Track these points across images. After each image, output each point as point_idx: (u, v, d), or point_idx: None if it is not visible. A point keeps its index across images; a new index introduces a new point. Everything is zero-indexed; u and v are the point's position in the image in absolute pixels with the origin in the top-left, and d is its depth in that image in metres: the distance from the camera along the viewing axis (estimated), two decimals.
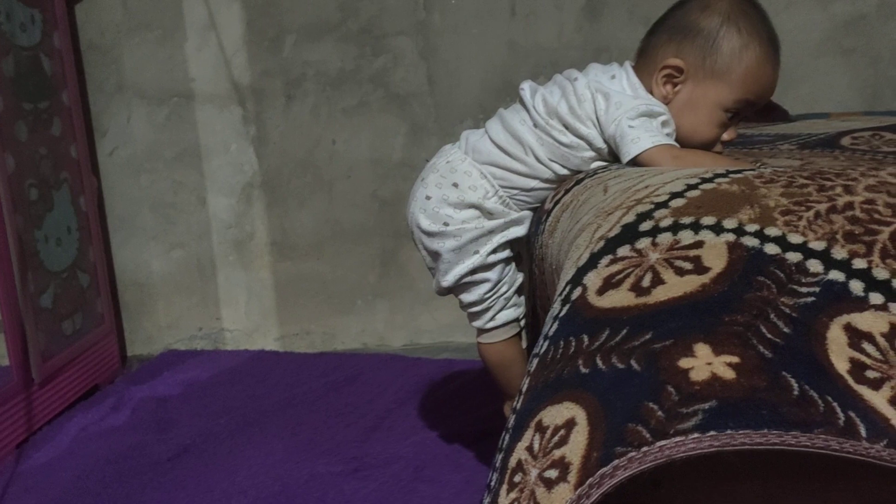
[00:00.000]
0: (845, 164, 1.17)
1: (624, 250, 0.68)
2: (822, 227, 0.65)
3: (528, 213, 1.16)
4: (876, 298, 0.61)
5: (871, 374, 0.57)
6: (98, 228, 2.04)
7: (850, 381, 0.56)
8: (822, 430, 0.53)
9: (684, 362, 0.57)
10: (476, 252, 1.16)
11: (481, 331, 1.23)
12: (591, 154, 1.08)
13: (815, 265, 0.63)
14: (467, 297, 1.20)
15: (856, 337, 0.59)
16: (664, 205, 0.71)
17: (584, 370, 0.61)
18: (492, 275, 1.17)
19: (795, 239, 0.65)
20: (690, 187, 0.72)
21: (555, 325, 0.68)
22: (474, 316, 1.22)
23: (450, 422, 1.66)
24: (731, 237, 0.65)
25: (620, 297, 0.64)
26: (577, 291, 0.68)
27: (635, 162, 1.02)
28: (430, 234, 1.17)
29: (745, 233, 0.65)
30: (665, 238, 0.67)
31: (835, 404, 0.54)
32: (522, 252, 1.21)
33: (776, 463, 0.59)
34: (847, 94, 1.96)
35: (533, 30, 2.01)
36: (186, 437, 1.69)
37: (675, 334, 0.59)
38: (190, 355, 2.18)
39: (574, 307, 0.67)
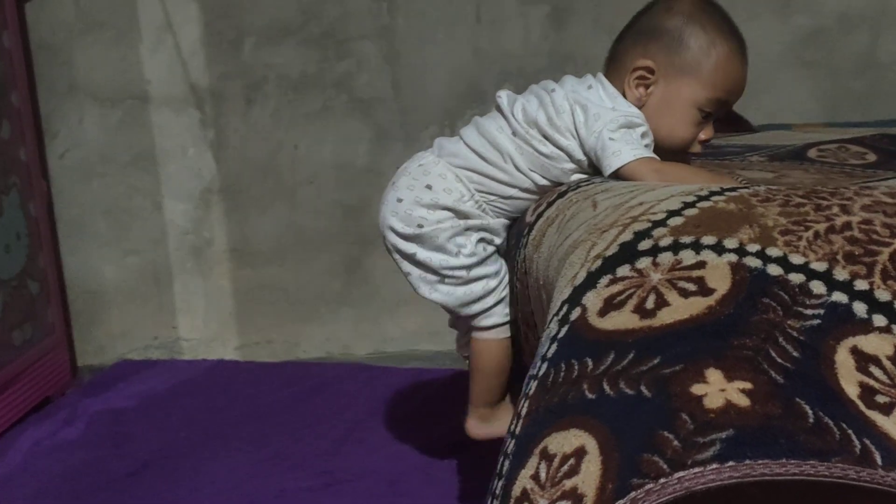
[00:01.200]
0: (820, 178, 1.18)
1: (624, 270, 0.67)
2: (822, 248, 0.65)
3: (504, 222, 1.14)
4: (879, 321, 0.61)
5: (880, 398, 0.56)
6: (48, 234, 1.97)
7: (862, 407, 0.56)
8: (839, 458, 0.52)
9: (697, 388, 0.55)
10: (458, 253, 1.12)
11: (488, 328, 1.17)
12: (572, 166, 1.07)
13: (818, 286, 0.62)
14: (469, 293, 1.14)
15: (862, 360, 0.58)
16: (662, 223, 0.69)
17: (590, 395, 0.59)
18: (488, 269, 1.14)
19: (797, 259, 0.64)
20: (687, 205, 0.71)
21: (553, 347, 0.67)
22: (477, 314, 1.16)
23: (421, 433, 1.63)
24: (733, 257, 0.64)
25: (624, 320, 0.63)
26: (577, 312, 0.67)
27: (617, 175, 1.01)
28: (405, 238, 1.14)
29: (746, 253, 0.65)
30: (666, 258, 0.66)
31: (850, 431, 0.54)
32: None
33: (771, 486, 0.58)
34: (808, 106, 1.99)
35: (498, 36, 2.00)
36: (145, 451, 1.63)
37: (685, 359, 0.57)
38: (145, 365, 2.12)
39: (574, 328, 0.66)
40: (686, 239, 0.67)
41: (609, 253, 0.69)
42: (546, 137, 1.07)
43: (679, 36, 1.07)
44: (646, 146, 1.04)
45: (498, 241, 1.15)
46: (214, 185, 2.11)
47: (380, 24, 2.01)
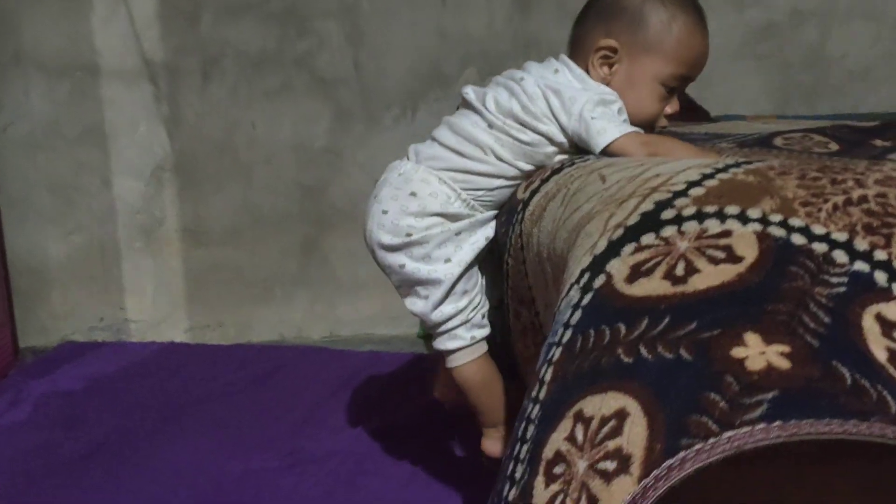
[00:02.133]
0: (796, 163, 1.21)
1: (649, 238, 0.67)
2: (841, 219, 0.66)
3: (493, 214, 1.13)
4: None
5: None
6: None
7: (892, 370, 0.57)
8: (877, 418, 0.53)
9: (737, 352, 0.56)
10: (448, 261, 1.09)
11: (453, 352, 1.13)
12: (553, 149, 1.07)
13: (840, 256, 0.64)
14: (444, 310, 1.10)
15: (887, 327, 0.60)
16: (684, 193, 0.70)
17: (626, 359, 0.59)
18: (468, 285, 1.11)
19: (818, 230, 0.65)
20: (706, 177, 0.72)
21: (577, 314, 0.67)
22: (447, 335, 1.12)
23: (383, 415, 1.62)
24: (757, 227, 0.66)
25: (655, 286, 0.63)
26: (601, 279, 0.67)
27: (605, 152, 1.02)
28: (393, 249, 1.09)
29: (770, 223, 0.66)
30: (691, 227, 0.67)
31: (885, 393, 0.55)
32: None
33: (780, 449, 0.60)
34: (759, 98, 2.05)
35: (463, 19, 1.99)
36: (98, 434, 1.58)
37: (722, 323, 0.58)
38: (90, 347, 2.05)
39: (600, 295, 0.66)
40: (709, 209, 0.68)
41: (631, 222, 0.70)
42: (524, 125, 1.06)
43: (639, 13, 1.08)
44: (624, 120, 1.06)
45: (490, 234, 1.12)
46: (167, 162, 2.05)
47: (343, 2, 1.99)
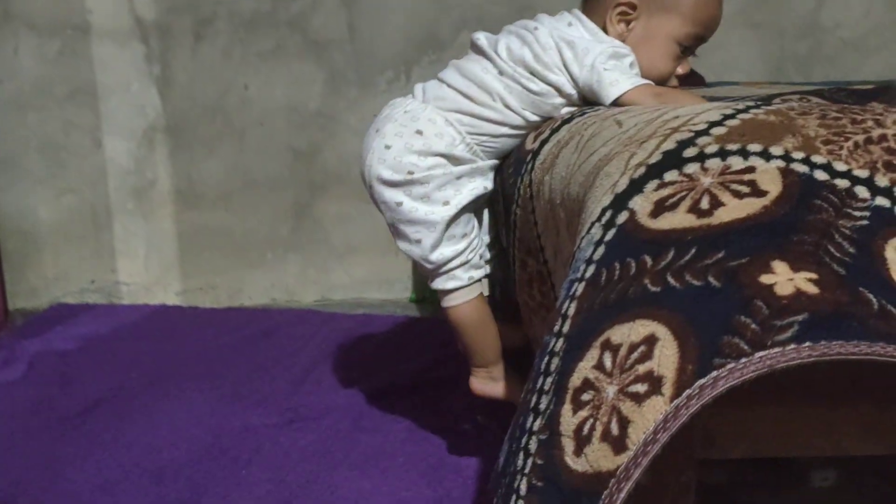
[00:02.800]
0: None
1: (672, 175, 0.68)
2: (862, 157, 0.67)
3: (493, 163, 1.14)
4: None
5: None
6: None
7: None
8: None
9: (766, 278, 0.57)
10: (446, 203, 1.10)
11: (446, 292, 1.15)
12: (561, 100, 1.08)
13: (862, 191, 0.65)
14: (443, 252, 1.11)
15: None
16: (705, 132, 0.71)
17: (653, 289, 0.60)
18: (467, 228, 1.12)
19: (840, 167, 0.66)
20: (727, 117, 0.73)
21: (601, 249, 0.67)
22: (446, 275, 1.14)
23: (379, 375, 1.63)
24: (780, 163, 0.66)
25: (680, 219, 0.64)
26: (624, 215, 0.68)
27: (617, 103, 1.03)
28: (393, 185, 1.10)
29: (792, 160, 0.67)
30: (714, 163, 0.68)
31: None
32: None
33: (785, 389, 0.61)
34: (755, 66, 2.06)
35: None
36: (95, 391, 1.57)
37: (750, 252, 0.59)
38: (82, 309, 2.04)
39: (624, 230, 0.66)
40: (732, 146, 0.69)
41: (653, 161, 0.70)
42: (534, 74, 1.07)
43: None
44: (636, 74, 1.07)
45: (489, 185, 1.14)
46: (159, 123, 2.03)
47: None
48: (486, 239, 1.19)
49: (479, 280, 1.16)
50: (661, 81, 1.13)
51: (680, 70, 1.15)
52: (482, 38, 1.11)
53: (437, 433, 1.38)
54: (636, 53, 1.10)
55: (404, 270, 2.11)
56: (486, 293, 1.19)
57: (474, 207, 1.15)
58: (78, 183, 2.05)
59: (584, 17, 1.12)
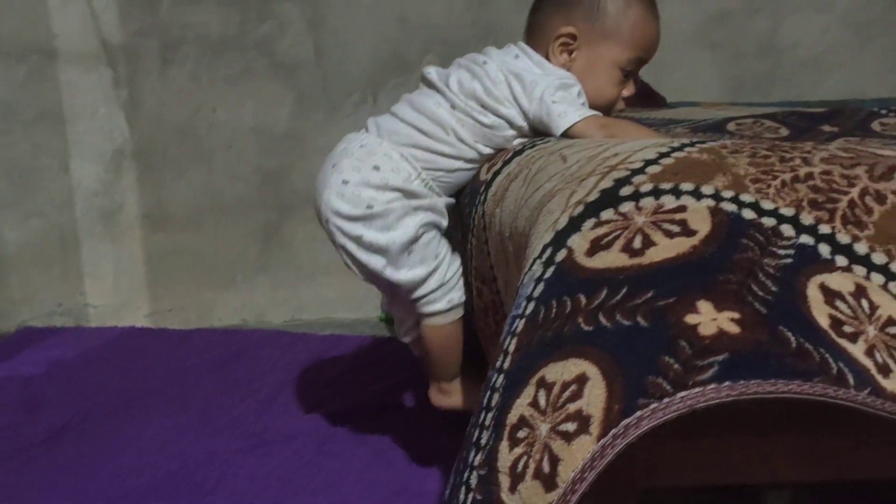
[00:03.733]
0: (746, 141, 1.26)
1: (608, 214, 0.70)
2: (789, 195, 0.70)
3: (448, 201, 1.15)
4: (841, 261, 0.66)
5: (847, 328, 0.62)
6: None
7: (833, 336, 0.61)
8: (820, 378, 0.57)
9: (691, 318, 0.59)
10: (405, 231, 1.10)
11: (432, 314, 1.15)
12: (513, 133, 1.10)
13: (787, 229, 0.67)
14: (417, 273, 1.12)
15: (829, 295, 0.64)
16: (641, 171, 0.73)
17: (586, 328, 0.62)
18: (440, 249, 1.13)
19: (767, 205, 0.69)
20: (663, 155, 0.75)
21: (540, 287, 0.69)
22: (423, 299, 1.14)
23: (345, 397, 1.64)
24: (710, 202, 0.69)
25: (613, 258, 0.66)
26: (563, 253, 0.70)
27: (566, 135, 1.05)
28: (352, 219, 1.09)
29: (722, 198, 0.69)
30: (648, 202, 0.70)
31: (827, 356, 0.59)
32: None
33: (725, 419, 0.63)
34: (714, 85, 2.10)
35: (424, 5, 2.01)
36: (61, 417, 1.58)
37: (677, 292, 0.61)
38: (50, 332, 2.04)
39: (562, 269, 0.69)
40: (665, 185, 0.71)
41: (591, 199, 0.72)
42: (485, 107, 1.09)
43: (597, 1, 1.13)
44: (583, 104, 1.09)
45: (444, 223, 1.14)
46: (127, 146, 2.04)
47: None
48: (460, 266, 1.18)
49: (460, 305, 1.16)
50: (608, 106, 1.17)
51: (625, 93, 1.19)
52: (433, 72, 1.13)
53: (402, 457, 1.40)
54: (581, 82, 1.13)
55: (374, 290, 2.12)
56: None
57: (439, 230, 1.16)
58: (45, 206, 2.05)
59: (528, 49, 1.15)
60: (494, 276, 1.00)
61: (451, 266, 1.14)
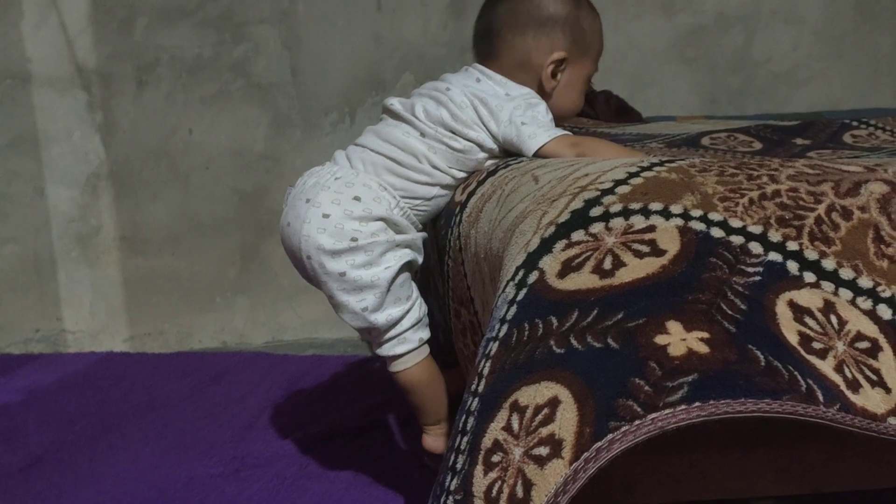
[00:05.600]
0: (714, 159, 1.27)
1: (578, 235, 0.71)
2: (756, 213, 0.70)
3: (425, 237, 1.15)
4: (809, 277, 0.67)
5: (816, 345, 0.63)
6: None
7: (802, 352, 0.61)
8: (789, 396, 0.57)
9: (660, 339, 0.60)
10: (388, 267, 1.08)
11: (397, 357, 1.13)
12: (484, 155, 1.11)
13: (756, 247, 0.68)
14: (392, 313, 1.10)
15: (798, 312, 0.64)
16: (611, 191, 0.74)
17: (558, 350, 0.62)
18: (411, 290, 1.12)
19: (736, 223, 0.69)
20: (632, 175, 0.76)
21: (513, 309, 0.69)
22: (396, 339, 1.13)
23: (327, 418, 1.63)
24: (679, 221, 0.69)
25: (584, 280, 0.66)
26: (535, 275, 0.70)
27: (537, 155, 1.05)
28: (335, 253, 1.06)
29: (691, 217, 0.70)
30: (618, 223, 0.70)
31: (796, 373, 0.59)
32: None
33: (702, 435, 0.63)
34: (689, 99, 2.11)
35: (399, 24, 2.02)
36: (37, 446, 1.56)
37: (647, 313, 0.62)
38: (27, 360, 2.01)
39: (534, 291, 0.69)
40: (635, 205, 0.71)
41: (562, 220, 0.73)
42: (455, 133, 1.09)
43: (576, 21, 1.15)
44: (550, 121, 1.11)
45: (420, 260, 1.14)
46: (102, 170, 2.03)
47: (279, 8, 1.99)
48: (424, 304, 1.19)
49: (427, 342, 1.15)
50: (572, 114, 1.22)
51: None
52: (396, 103, 1.12)
53: (383, 478, 1.39)
54: (561, 98, 1.15)
55: None
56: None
57: (411, 271, 1.15)
58: (20, 232, 2.03)
59: (488, 71, 1.15)
60: (471, 297, 1.00)
61: (422, 306, 1.14)
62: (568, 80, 1.17)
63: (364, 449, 1.49)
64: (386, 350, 1.13)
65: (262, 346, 2.11)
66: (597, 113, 1.78)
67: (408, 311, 1.11)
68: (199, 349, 2.09)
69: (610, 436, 0.55)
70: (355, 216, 1.07)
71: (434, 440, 1.20)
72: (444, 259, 1.07)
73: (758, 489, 0.76)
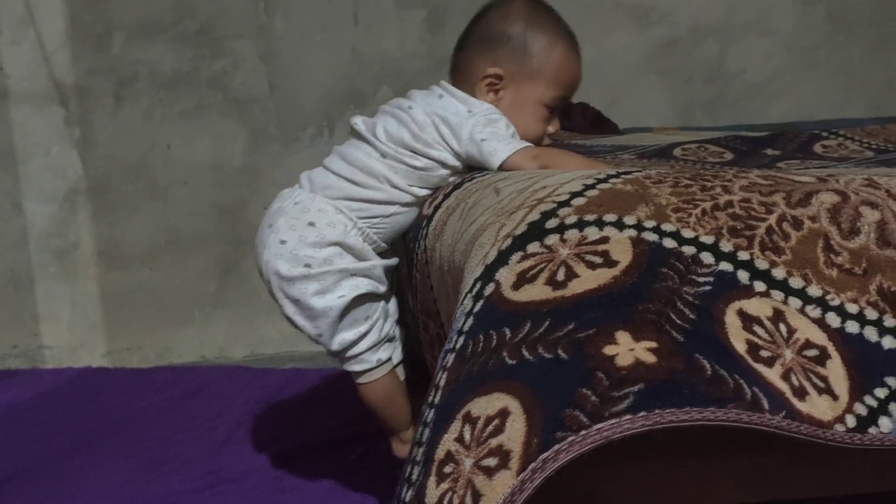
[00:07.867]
0: (670, 170, 1.28)
1: (534, 247, 0.71)
2: (709, 223, 0.71)
3: (389, 263, 1.16)
4: (760, 286, 0.68)
5: (764, 353, 0.63)
6: None
7: (750, 361, 0.62)
8: (734, 405, 0.58)
9: (609, 349, 0.60)
10: (342, 296, 1.11)
11: (357, 374, 1.18)
12: (447, 172, 1.12)
13: (707, 257, 0.69)
14: (345, 337, 1.14)
15: (748, 321, 0.65)
16: (566, 203, 0.74)
17: (510, 361, 0.63)
18: (371, 311, 1.14)
19: (688, 234, 0.70)
20: (588, 187, 0.76)
21: (470, 321, 0.70)
22: (352, 359, 1.17)
23: (304, 431, 1.63)
24: (633, 233, 0.70)
25: (537, 291, 0.67)
26: (491, 287, 0.70)
27: (501, 169, 1.06)
28: (290, 280, 1.11)
29: (644, 228, 0.70)
30: (572, 234, 0.71)
31: (741, 381, 0.60)
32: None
33: (658, 444, 0.64)
34: (664, 111, 2.13)
35: (376, 38, 2.03)
36: (12, 463, 1.55)
37: (597, 324, 0.62)
38: (4, 375, 2.01)
39: (489, 302, 0.69)
40: (589, 217, 0.72)
41: (518, 232, 0.73)
42: (415, 152, 1.10)
43: (523, 42, 1.15)
44: (512, 135, 1.11)
45: (382, 289, 1.16)
46: (80, 185, 2.03)
47: (256, 23, 2.00)
48: (395, 315, 1.20)
49: (388, 360, 1.18)
50: (534, 142, 1.18)
51: (550, 129, 1.21)
52: (360, 122, 1.14)
53: (358, 492, 1.39)
54: (511, 119, 1.14)
55: None
56: (399, 370, 1.20)
57: (373, 299, 1.16)
58: None
59: (451, 88, 1.16)
60: (438, 309, 1.00)
61: (383, 328, 1.15)
62: (512, 102, 1.15)
63: (339, 461, 1.49)
64: (346, 367, 1.17)
65: (242, 360, 2.11)
66: (572, 125, 1.80)
67: (364, 335, 1.13)
68: (179, 364, 2.09)
69: (556, 446, 0.56)
70: (309, 242, 1.10)
71: (401, 447, 1.22)
72: (412, 272, 1.08)
73: (718, 497, 0.76)
